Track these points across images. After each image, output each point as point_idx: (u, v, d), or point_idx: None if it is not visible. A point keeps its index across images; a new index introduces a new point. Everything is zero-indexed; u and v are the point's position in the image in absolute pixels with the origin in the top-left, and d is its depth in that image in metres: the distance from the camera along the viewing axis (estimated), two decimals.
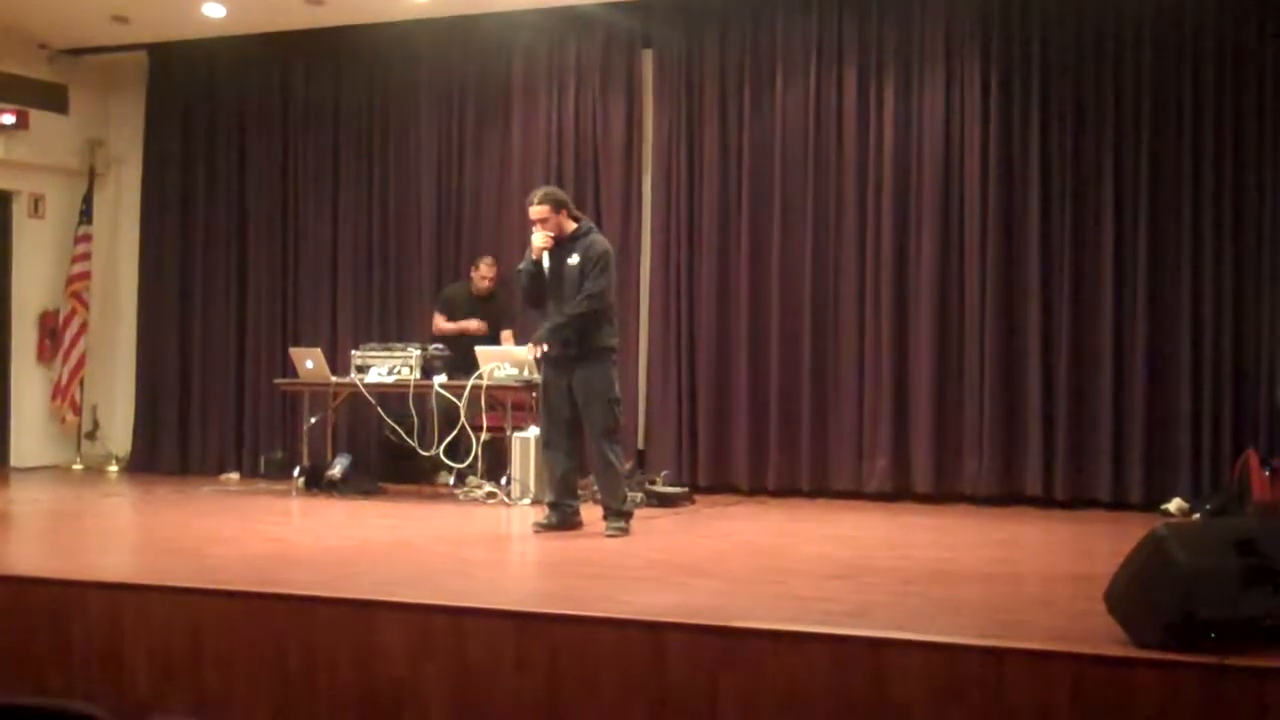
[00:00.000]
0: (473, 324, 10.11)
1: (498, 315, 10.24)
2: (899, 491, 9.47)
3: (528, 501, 8.97)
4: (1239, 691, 4.07)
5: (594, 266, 7.54)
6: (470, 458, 9.35)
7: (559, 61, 10.55)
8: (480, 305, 10.27)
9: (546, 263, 7.63)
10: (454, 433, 9.27)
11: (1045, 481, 9.16)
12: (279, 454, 10.86)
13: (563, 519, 7.64)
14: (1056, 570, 6.56)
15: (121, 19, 10.78)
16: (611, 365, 7.66)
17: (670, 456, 9.95)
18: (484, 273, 10.24)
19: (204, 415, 11.47)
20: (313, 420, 10.05)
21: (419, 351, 9.63)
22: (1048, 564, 6.87)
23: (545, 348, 7.55)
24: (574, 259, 7.57)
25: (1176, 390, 8.97)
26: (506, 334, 10.17)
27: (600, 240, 7.74)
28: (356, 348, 10.00)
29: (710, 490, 9.81)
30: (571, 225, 7.68)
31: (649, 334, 10.25)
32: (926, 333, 9.46)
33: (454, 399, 9.21)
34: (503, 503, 9.08)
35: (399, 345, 9.85)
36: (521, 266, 7.79)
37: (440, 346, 9.85)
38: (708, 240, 10.06)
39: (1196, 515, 8.36)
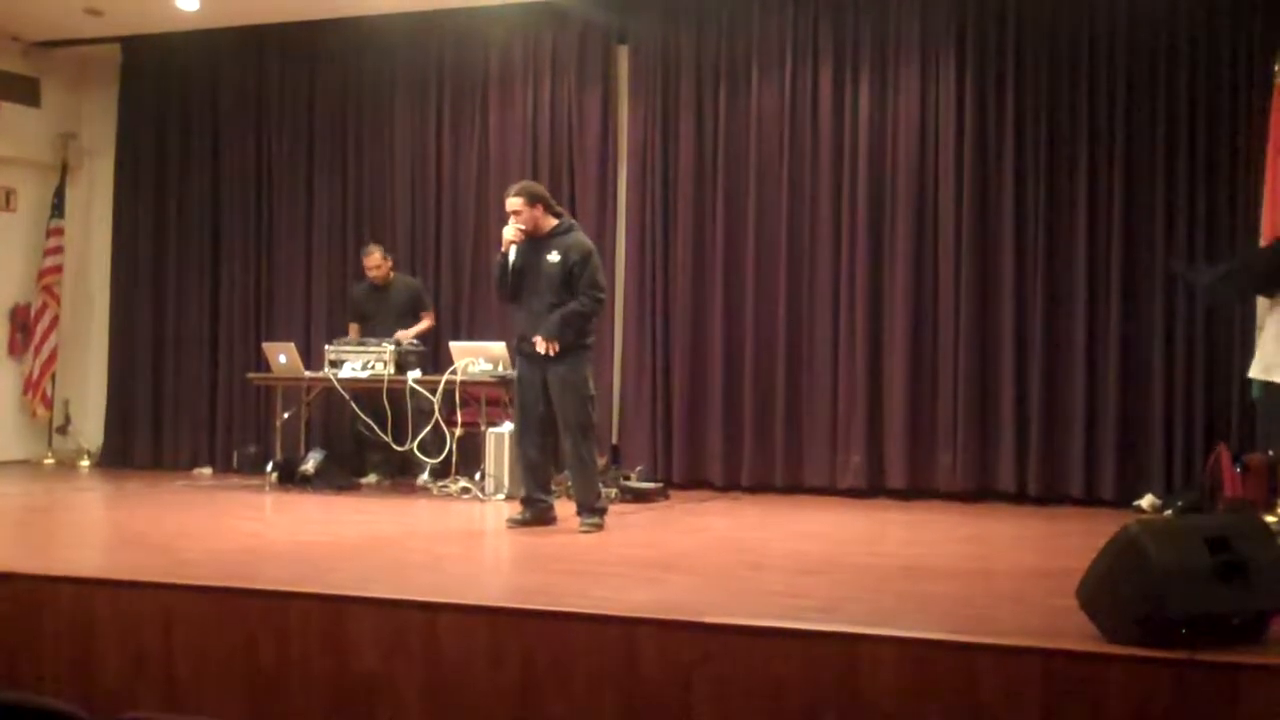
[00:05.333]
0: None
1: (403, 302, 10.24)
2: (873, 487, 9.50)
3: (502, 497, 8.96)
4: (1210, 686, 4.09)
5: (585, 268, 7.53)
6: (445, 453, 9.35)
7: (534, 56, 10.55)
8: (382, 296, 10.26)
9: (512, 256, 7.62)
10: (427, 428, 9.25)
11: (1018, 478, 9.21)
12: (252, 449, 10.82)
13: (537, 514, 7.63)
14: (1029, 566, 6.58)
15: (95, 12, 10.72)
16: (587, 362, 7.65)
17: (645, 452, 9.96)
18: (371, 263, 10.23)
19: (176, 410, 11.43)
20: (286, 415, 10.03)
21: (393, 347, 9.62)
22: (1020, 560, 6.89)
23: (556, 346, 7.43)
24: (554, 255, 7.56)
25: (1149, 387, 9.03)
26: (428, 314, 10.24)
27: (583, 239, 7.74)
28: (330, 342, 9.98)
29: (684, 486, 9.82)
30: (551, 221, 7.66)
31: (624, 329, 10.25)
32: (901, 329, 9.48)
33: (428, 394, 9.21)
34: (477, 498, 9.07)
35: (373, 340, 9.84)
36: (497, 259, 7.80)
37: (415, 342, 9.83)
38: (683, 234, 10.06)
39: (1168, 512, 8.40)
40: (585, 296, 7.52)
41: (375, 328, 10.11)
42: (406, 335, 9.92)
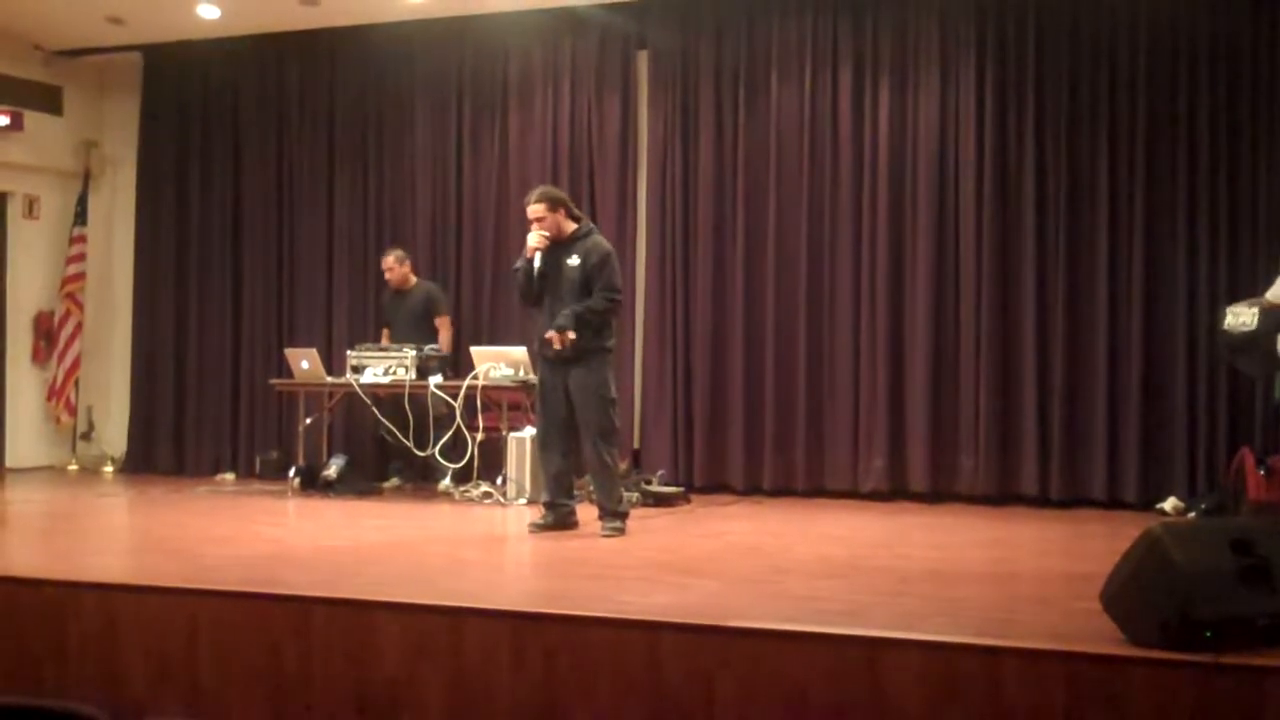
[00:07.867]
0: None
1: (418, 307, 10.21)
2: (894, 491, 9.49)
3: (523, 501, 8.98)
4: (1234, 690, 4.07)
5: (602, 269, 7.55)
6: (466, 458, 9.35)
7: (554, 62, 10.56)
8: (400, 301, 10.27)
9: (537, 262, 7.64)
10: (449, 433, 9.26)
11: (1041, 481, 9.18)
12: (274, 454, 10.86)
13: (558, 519, 7.64)
14: (1052, 569, 6.57)
15: (116, 20, 10.78)
16: (608, 366, 7.65)
17: (666, 456, 9.96)
18: (383, 265, 10.24)
19: (199, 415, 11.48)
20: (308, 421, 10.06)
21: (414, 352, 9.64)
22: (1043, 563, 6.87)
23: (572, 335, 7.43)
24: (574, 259, 7.57)
25: (1172, 390, 9.00)
26: (442, 320, 10.17)
27: (602, 241, 7.75)
28: (352, 348, 10.01)
29: (706, 490, 9.82)
30: (571, 226, 7.68)
31: (644, 334, 10.25)
32: (922, 332, 9.47)
33: (449, 399, 9.22)
34: (498, 503, 9.08)
35: (394, 345, 9.87)
36: (518, 265, 7.80)
37: (436, 347, 9.84)
38: (703, 240, 10.07)
39: (1192, 515, 8.38)
40: (600, 296, 7.53)
41: (395, 334, 10.15)
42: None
